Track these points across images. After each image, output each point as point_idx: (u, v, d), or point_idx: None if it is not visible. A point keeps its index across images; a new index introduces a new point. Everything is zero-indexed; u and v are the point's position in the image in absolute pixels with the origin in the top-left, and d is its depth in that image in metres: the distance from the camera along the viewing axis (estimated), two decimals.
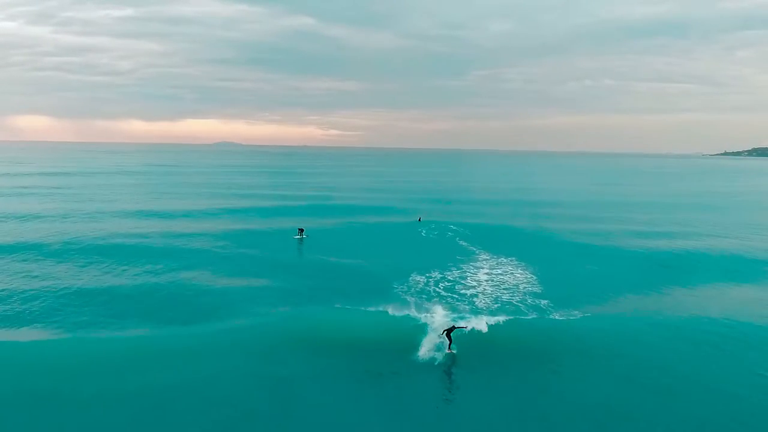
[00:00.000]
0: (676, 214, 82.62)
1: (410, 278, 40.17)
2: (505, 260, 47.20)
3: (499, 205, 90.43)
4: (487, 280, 40.60)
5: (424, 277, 40.59)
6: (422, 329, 28.65)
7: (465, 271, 43.14)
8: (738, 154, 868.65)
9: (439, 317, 29.94)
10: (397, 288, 37.85)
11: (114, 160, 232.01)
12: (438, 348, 26.97)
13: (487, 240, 55.50)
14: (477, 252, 50.55)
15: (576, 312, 32.96)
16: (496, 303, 35.18)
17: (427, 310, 31.41)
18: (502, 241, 55.41)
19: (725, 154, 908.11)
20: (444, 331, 27.20)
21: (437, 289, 37.94)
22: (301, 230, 57.91)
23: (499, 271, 43.47)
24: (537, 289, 38.26)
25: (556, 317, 32.22)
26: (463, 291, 37.75)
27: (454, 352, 26.88)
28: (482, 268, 44.56)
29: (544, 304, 34.73)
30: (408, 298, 35.63)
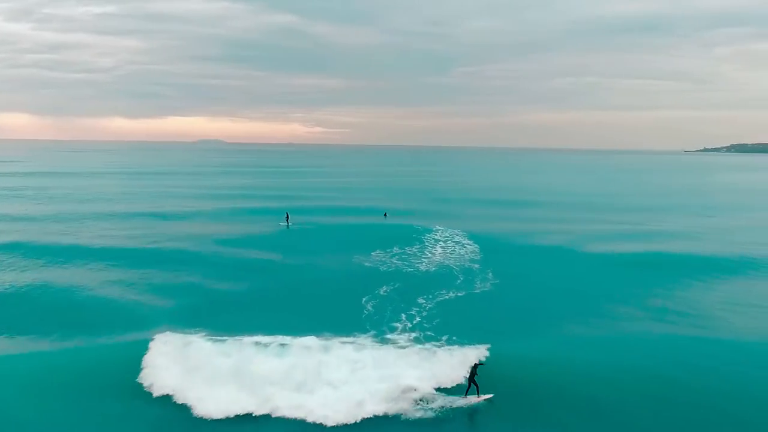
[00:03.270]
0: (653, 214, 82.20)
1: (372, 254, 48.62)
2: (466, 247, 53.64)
3: (473, 204, 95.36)
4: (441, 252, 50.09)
5: (383, 252, 49.28)
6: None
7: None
8: (717, 150, 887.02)
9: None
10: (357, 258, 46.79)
11: (95, 160, 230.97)
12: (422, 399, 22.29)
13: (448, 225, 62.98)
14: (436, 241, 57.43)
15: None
16: (435, 267, 44.43)
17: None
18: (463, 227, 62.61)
19: (705, 150, 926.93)
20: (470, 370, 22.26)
21: (392, 260, 47.02)
22: (288, 216, 63.64)
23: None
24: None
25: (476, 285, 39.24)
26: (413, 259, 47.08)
27: (484, 397, 22.08)
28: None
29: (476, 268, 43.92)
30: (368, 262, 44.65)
